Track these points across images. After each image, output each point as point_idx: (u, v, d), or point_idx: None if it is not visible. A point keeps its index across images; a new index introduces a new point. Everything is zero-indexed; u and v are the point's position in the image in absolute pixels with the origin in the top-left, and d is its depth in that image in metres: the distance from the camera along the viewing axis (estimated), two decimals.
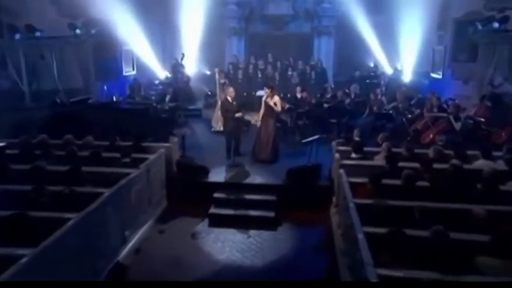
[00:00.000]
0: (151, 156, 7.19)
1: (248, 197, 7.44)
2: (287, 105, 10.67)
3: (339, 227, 6.22)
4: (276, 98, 8.73)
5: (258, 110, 9.04)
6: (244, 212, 7.17)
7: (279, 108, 8.77)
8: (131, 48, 14.52)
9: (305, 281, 5.40)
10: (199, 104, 14.10)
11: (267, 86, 8.90)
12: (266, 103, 8.75)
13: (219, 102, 10.42)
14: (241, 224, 6.85)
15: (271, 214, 7.08)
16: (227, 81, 11.80)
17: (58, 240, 4.32)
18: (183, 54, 14.87)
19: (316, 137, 8.00)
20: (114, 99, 11.66)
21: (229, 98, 8.81)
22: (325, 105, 11.14)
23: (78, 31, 11.74)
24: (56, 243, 4.28)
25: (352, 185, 5.72)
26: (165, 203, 7.52)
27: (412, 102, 11.05)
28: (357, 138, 7.70)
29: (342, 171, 6.29)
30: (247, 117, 11.93)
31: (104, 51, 13.22)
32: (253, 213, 7.14)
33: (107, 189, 5.57)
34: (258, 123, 8.96)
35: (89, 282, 4.94)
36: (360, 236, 4.25)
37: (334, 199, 7.03)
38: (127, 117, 9.72)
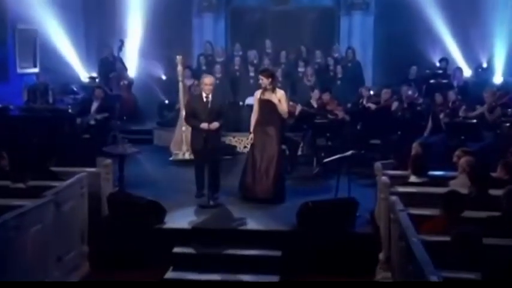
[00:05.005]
0: (64, 183, 7.19)
1: (233, 252, 7.45)
2: (299, 107, 10.72)
3: None
4: (281, 93, 8.78)
5: (249, 129, 9.13)
6: (227, 276, 7.14)
7: (284, 108, 8.77)
8: (33, 29, 14.58)
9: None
10: (150, 124, 14.26)
11: (262, 73, 8.93)
12: (263, 101, 8.75)
13: (183, 114, 10.35)
14: None
15: (274, 279, 7.08)
16: (196, 83, 11.94)
17: None
18: (122, 42, 15.08)
19: (348, 153, 8.11)
20: None
21: (203, 94, 8.73)
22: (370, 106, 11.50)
23: None
24: None
25: (413, 219, 5.80)
26: (87, 265, 7.47)
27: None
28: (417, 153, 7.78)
29: (395, 198, 6.42)
30: (230, 140, 12.29)
31: None
32: (241, 277, 7.12)
33: None
34: (250, 138, 8.99)
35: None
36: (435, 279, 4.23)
37: (381, 255, 7.08)
38: (24, 130, 9.70)
